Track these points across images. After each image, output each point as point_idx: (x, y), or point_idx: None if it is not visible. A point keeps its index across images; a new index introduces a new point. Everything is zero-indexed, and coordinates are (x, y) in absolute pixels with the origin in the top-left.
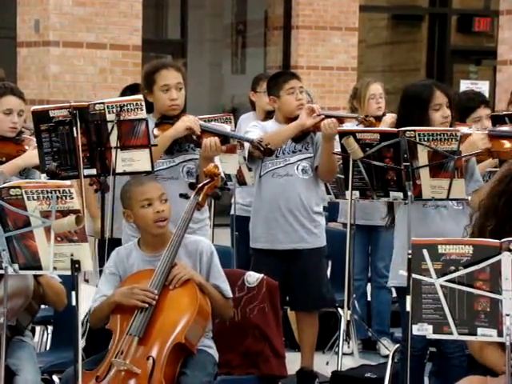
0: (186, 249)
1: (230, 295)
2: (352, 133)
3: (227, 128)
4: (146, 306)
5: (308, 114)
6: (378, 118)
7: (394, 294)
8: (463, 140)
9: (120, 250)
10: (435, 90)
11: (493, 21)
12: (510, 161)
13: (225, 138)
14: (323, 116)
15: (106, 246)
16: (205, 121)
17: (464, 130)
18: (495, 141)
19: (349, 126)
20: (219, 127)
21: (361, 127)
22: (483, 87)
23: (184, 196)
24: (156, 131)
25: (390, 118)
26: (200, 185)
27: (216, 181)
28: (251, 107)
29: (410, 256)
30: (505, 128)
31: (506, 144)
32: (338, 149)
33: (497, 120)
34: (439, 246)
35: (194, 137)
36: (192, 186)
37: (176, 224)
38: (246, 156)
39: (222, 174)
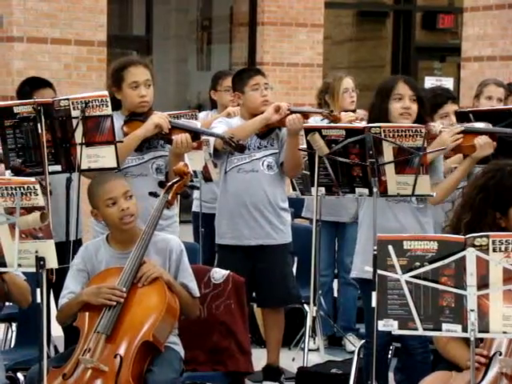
0: (156, 246)
1: (198, 295)
2: (318, 129)
3: (197, 124)
4: (114, 303)
5: (274, 110)
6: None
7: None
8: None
9: (88, 245)
10: (399, 82)
11: (457, 18)
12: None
13: (195, 135)
14: (288, 111)
15: (72, 247)
16: (173, 117)
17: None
18: (470, 136)
19: (313, 121)
20: (190, 124)
21: (325, 122)
22: (447, 84)
23: (153, 194)
24: (125, 128)
25: (348, 118)
26: (170, 183)
27: (186, 179)
28: (211, 105)
29: (375, 252)
30: (479, 125)
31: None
32: (304, 145)
33: (462, 116)
34: (404, 242)
35: (164, 133)
36: (161, 184)
37: (145, 221)
38: (212, 151)
39: (192, 172)
